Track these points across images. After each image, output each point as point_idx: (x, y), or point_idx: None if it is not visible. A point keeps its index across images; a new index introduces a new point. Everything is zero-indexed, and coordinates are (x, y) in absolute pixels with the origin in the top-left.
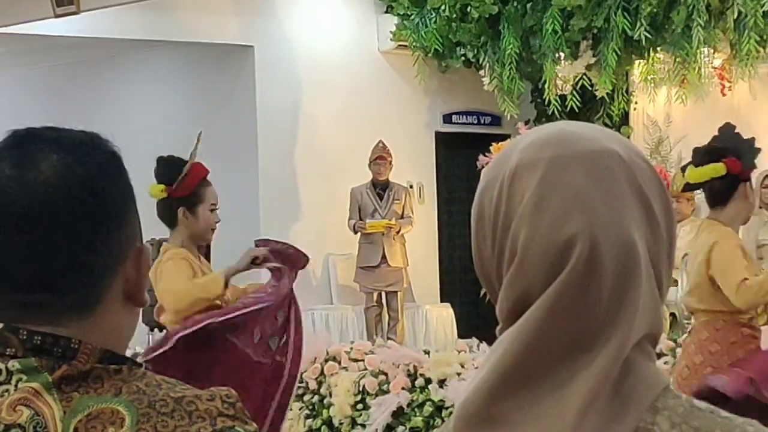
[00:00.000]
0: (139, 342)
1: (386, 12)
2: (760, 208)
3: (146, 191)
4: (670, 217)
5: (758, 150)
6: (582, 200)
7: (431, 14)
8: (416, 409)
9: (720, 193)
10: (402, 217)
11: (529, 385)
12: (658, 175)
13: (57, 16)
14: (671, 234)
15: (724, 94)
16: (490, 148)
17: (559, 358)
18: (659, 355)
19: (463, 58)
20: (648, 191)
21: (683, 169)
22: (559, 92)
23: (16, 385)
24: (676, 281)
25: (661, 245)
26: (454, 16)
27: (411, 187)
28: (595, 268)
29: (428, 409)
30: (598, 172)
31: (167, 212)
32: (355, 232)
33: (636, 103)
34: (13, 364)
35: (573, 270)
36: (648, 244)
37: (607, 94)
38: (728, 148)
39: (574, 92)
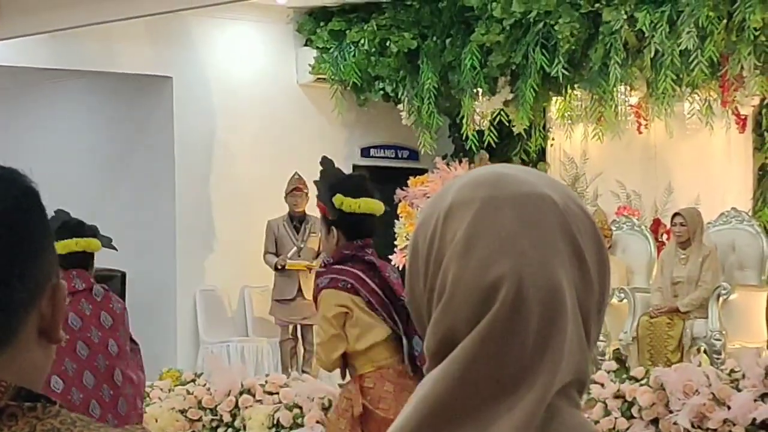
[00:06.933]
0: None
1: (305, 45)
2: (678, 246)
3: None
4: (603, 266)
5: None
6: (511, 242)
7: (350, 48)
8: None
9: None
10: (318, 252)
11: (453, 426)
12: (595, 224)
13: None
14: (603, 283)
15: (640, 132)
16: (408, 182)
17: (483, 399)
18: None
19: (381, 92)
20: (580, 238)
21: None
22: (477, 127)
23: None
24: None
25: (591, 292)
26: (373, 50)
27: None
28: (520, 311)
29: None
30: (529, 215)
31: None
32: (276, 269)
33: (553, 139)
34: None
35: (498, 312)
36: (577, 289)
37: (525, 130)
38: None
39: (492, 128)
